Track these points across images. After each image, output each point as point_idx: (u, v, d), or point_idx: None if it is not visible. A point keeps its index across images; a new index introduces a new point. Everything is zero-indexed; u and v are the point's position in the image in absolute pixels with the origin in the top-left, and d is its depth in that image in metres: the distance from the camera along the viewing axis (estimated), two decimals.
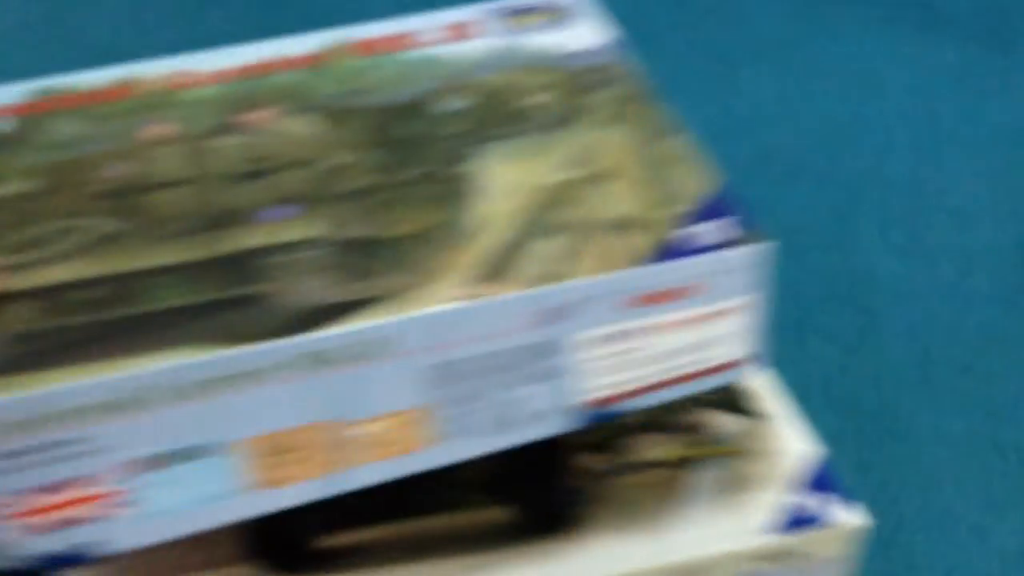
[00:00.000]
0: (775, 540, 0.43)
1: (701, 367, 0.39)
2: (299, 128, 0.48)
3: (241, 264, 0.41)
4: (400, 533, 0.45)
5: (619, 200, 0.40)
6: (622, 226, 0.39)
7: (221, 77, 0.51)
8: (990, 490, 0.52)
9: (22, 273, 0.42)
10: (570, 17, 0.53)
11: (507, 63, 0.51)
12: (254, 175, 0.46)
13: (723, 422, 0.49)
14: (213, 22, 0.90)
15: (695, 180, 0.41)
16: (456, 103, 0.48)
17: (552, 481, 0.46)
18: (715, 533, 0.44)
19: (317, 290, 0.39)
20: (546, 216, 0.40)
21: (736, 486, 0.46)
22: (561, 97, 0.47)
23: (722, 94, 0.79)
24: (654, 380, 0.39)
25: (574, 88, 0.48)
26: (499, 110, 0.48)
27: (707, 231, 0.37)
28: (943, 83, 0.74)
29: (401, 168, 0.45)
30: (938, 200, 0.65)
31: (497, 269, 0.38)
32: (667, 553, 0.43)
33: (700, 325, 0.37)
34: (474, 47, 0.52)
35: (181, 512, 0.39)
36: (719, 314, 0.37)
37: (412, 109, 0.48)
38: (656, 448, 0.47)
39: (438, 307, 0.37)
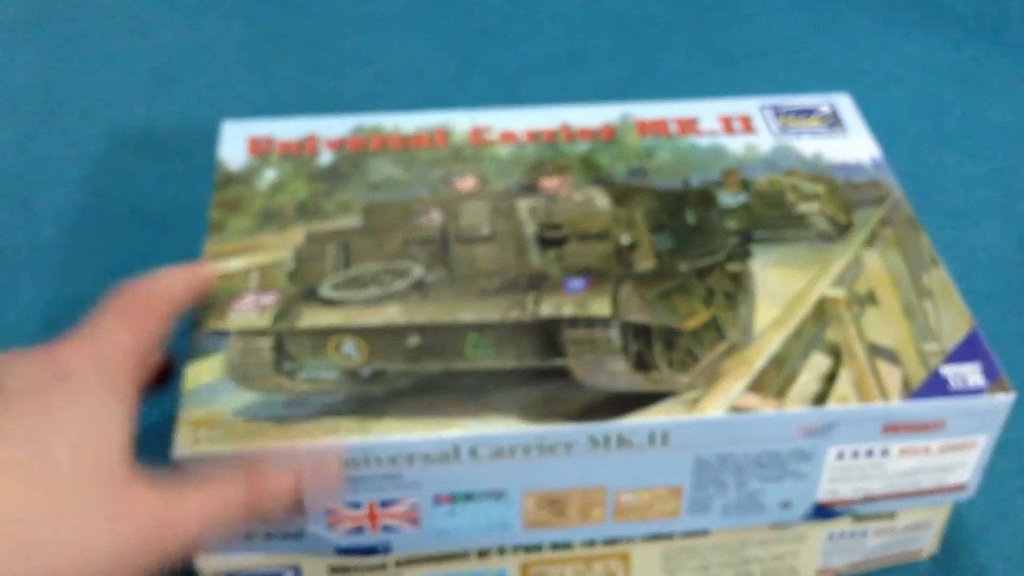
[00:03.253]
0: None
1: (928, 487, 0.46)
2: (591, 200, 0.50)
3: (549, 333, 0.44)
4: None
5: (879, 327, 0.46)
6: (879, 354, 0.44)
7: (517, 138, 0.56)
8: (990, 490, 0.51)
9: (347, 310, 0.46)
10: (842, 127, 0.57)
11: (783, 164, 0.54)
12: (554, 243, 0.49)
13: None
14: (212, 23, 0.87)
15: (950, 319, 0.46)
16: (736, 197, 0.52)
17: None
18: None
19: (617, 376, 0.43)
20: (815, 331, 0.45)
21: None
22: (831, 208, 0.51)
23: (722, 94, 0.84)
24: (885, 492, 0.46)
25: (844, 201, 0.52)
26: (774, 211, 0.51)
27: (955, 374, 0.44)
28: (944, 83, 0.73)
29: (685, 255, 0.48)
30: (939, 200, 0.65)
31: (772, 381, 0.43)
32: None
33: (936, 454, 0.45)
34: (754, 143, 0.56)
35: (463, 535, 0.45)
36: (954, 447, 0.45)
37: (695, 196, 0.51)
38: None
39: (719, 414, 0.42)
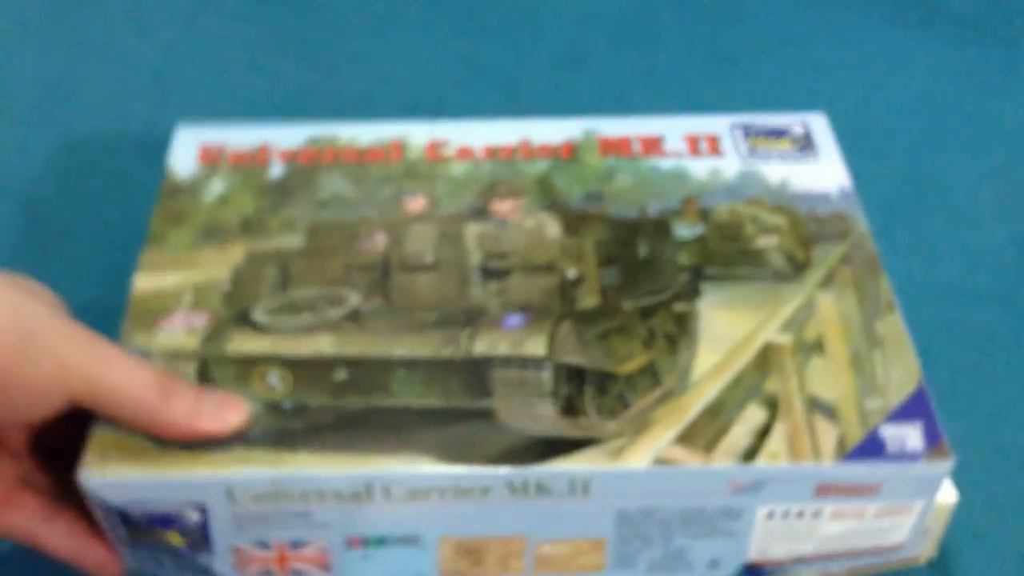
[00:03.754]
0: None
1: (863, 548, 0.45)
2: (541, 228, 0.49)
3: (479, 372, 0.43)
4: None
5: (822, 379, 0.44)
6: (818, 409, 0.43)
7: (474, 155, 0.54)
8: (990, 490, 0.51)
9: (277, 338, 0.45)
10: (813, 151, 0.54)
11: (747, 192, 0.52)
12: (497, 274, 0.47)
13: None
14: (210, 23, 0.86)
15: (898, 373, 0.44)
16: (692, 229, 0.50)
17: None
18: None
19: (543, 420, 0.42)
20: (755, 380, 0.44)
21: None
22: (790, 243, 0.49)
23: (722, 94, 0.81)
24: (818, 553, 0.44)
25: (804, 236, 0.50)
26: (730, 245, 0.50)
27: (894, 436, 0.42)
28: (945, 82, 0.72)
29: (631, 292, 0.47)
30: (939, 200, 0.64)
31: (703, 433, 0.42)
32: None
33: (870, 518, 0.43)
34: (719, 167, 0.53)
35: None
36: (890, 511, 0.43)
37: (649, 226, 0.50)
38: None
39: (646, 466, 0.41)
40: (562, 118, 0.57)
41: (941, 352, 0.57)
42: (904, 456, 0.41)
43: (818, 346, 0.45)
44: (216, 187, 0.52)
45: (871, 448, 0.41)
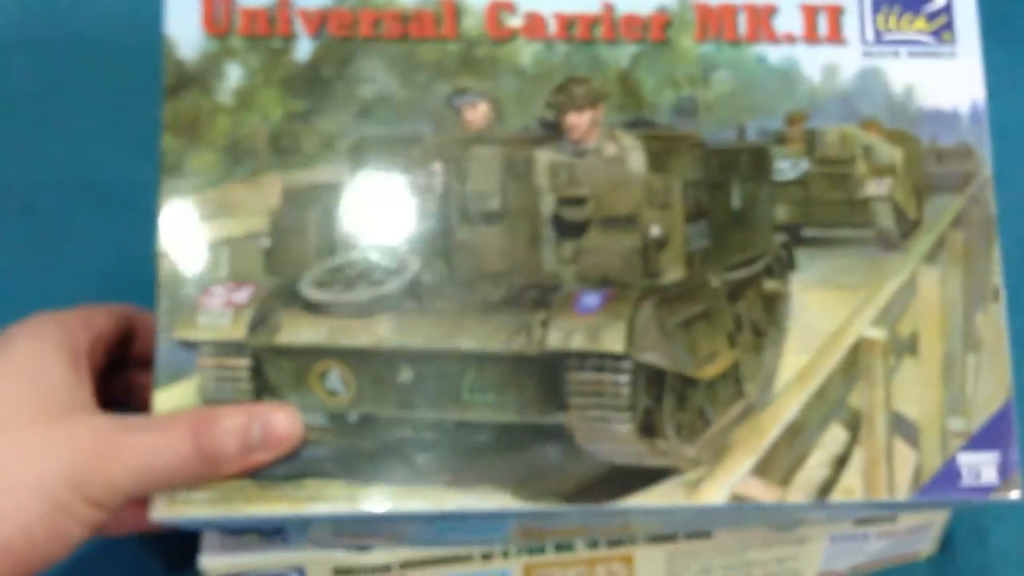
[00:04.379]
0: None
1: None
2: (623, 158, 0.42)
3: (553, 374, 0.40)
4: None
5: (909, 391, 0.42)
6: (900, 431, 0.42)
7: (546, 29, 0.44)
8: None
9: (333, 323, 0.41)
10: (951, 40, 0.45)
11: (864, 108, 0.44)
12: (572, 230, 0.42)
13: None
14: None
15: (987, 387, 0.41)
16: (795, 164, 0.43)
17: None
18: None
19: (620, 443, 0.40)
20: (840, 392, 0.42)
21: None
22: (902, 193, 0.43)
23: None
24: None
25: (919, 181, 0.43)
26: (835, 193, 0.43)
27: (970, 466, 0.41)
28: None
29: (719, 260, 0.42)
30: None
31: (781, 460, 0.41)
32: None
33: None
34: (837, 63, 0.44)
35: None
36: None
37: (750, 161, 0.42)
38: None
39: (720, 502, 0.41)
40: None
41: None
42: (976, 490, 0.42)
43: (911, 346, 0.43)
44: (232, 76, 0.43)
45: (946, 480, 0.42)
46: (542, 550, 0.46)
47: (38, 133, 0.69)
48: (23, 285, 0.57)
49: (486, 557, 0.46)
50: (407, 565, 0.45)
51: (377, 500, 0.40)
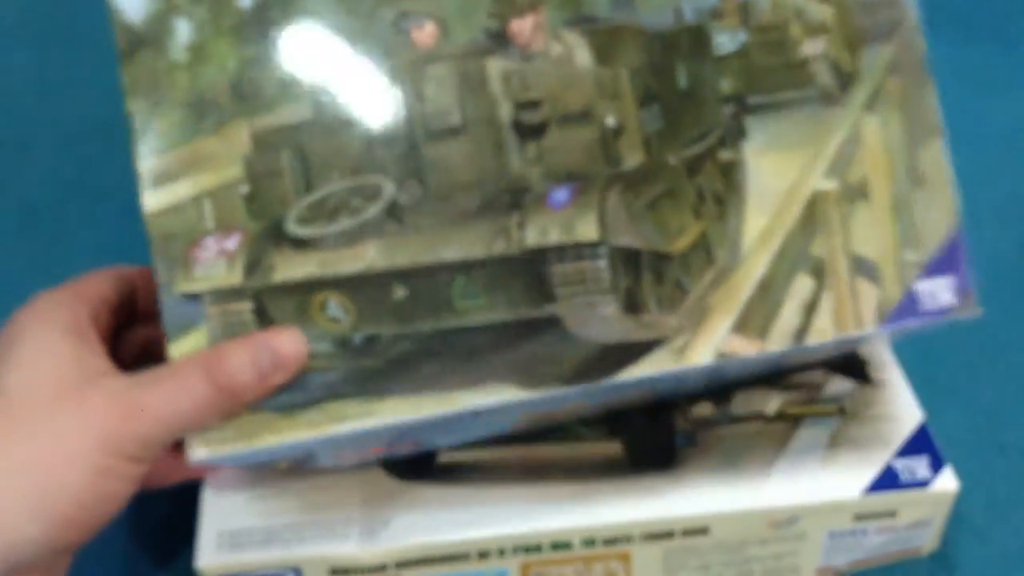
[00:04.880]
0: (869, 498, 0.47)
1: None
2: (570, 56, 0.43)
3: (537, 269, 0.43)
4: (516, 456, 0.51)
5: (864, 233, 0.45)
6: (861, 270, 0.45)
7: None
8: (991, 490, 0.53)
9: (322, 255, 0.43)
10: None
11: None
12: (532, 132, 0.44)
13: (835, 383, 0.52)
14: None
15: (938, 214, 0.44)
16: (733, 37, 0.45)
17: (661, 421, 0.51)
18: (811, 486, 0.48)
19: (608, 323, 0.43)
20: (801, 243, 0.45)
21: (837, 444, 0.49)
22: (836, 48, 0.45)
23: None
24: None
25: (851, 35, 0.45)
26: (773, 58, 0.45)
27: (928, 293, 0.45)
28: (944, 81, 0.67)
29: (674, 138, 0.44)
30: None
31: (756, 316, 0.44)
32: (761, 499, 0.48)
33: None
34: None
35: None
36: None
37: (690, 40, 0.44)
38: (766, 402, 0.51)
39: (706, 361, 0.44)
40: None
41: (942, 351, 0.57)
42: (936, 312, 0.45)
43: (861, 191, 0.46)
44: (182, 31, 0.44)
45: (907, 308, 0.45)
46: (539, 549, 0.48)
47: (39, 133, 0.69)
48: (23, 285, 0.59)
49: (483, 556, 0.48)
50: (403, 565, 0.48)
51: (393, 412, 0.43)
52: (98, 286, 0.44)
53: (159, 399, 0.39)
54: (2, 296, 0.60)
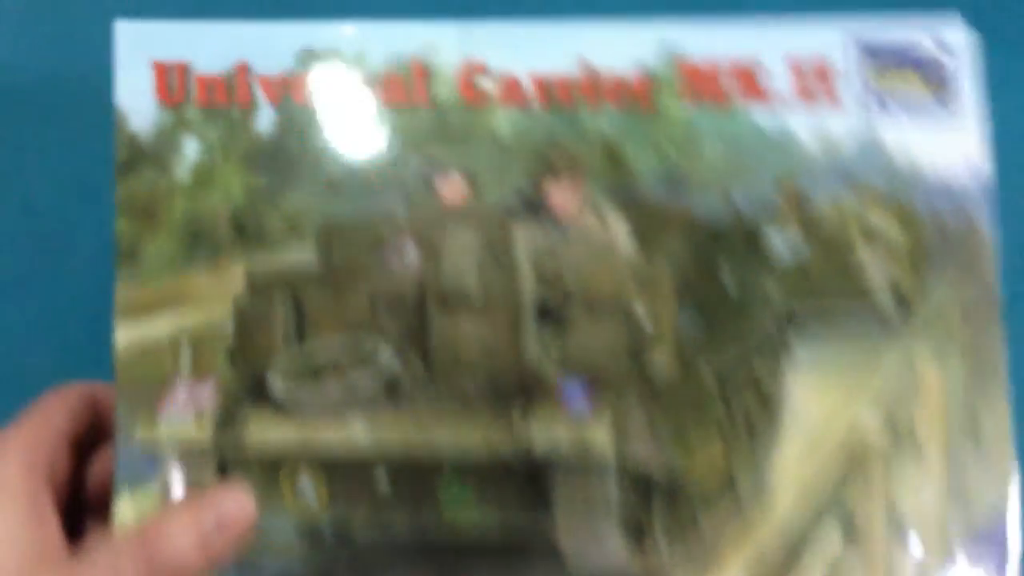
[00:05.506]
0: None
1: None
2: (608, 238, 0.38)
3: (536, 478, 0.38)
4: None
5: (908, 495, 0.40)
6: (898, 536, 0.40)
7: (524, 94, 0.41)
8: None
9: (302, 423, 0.39)
10: (948, 94, 0.42)
11: (861, 175, 0.41)
12: (555, 317, 0.40)
13: None
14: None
15: (993, 480, 0.40)
16: (788, 242, 0.40)
17: None
18: None
19: (609, 551, 0.39)
20: (834, 486, 0.40)
21: None
22: (901, 274, 0.40)
23: None
24: None
25: (919, 259, 0.41)
26: (831, 274, 0.41)
27: (967, 570, 0.40)
28: None
29: (711, 349, 0.40)
30: None
31: (775, 566, 0.39)
32: None
33: None
34: (830, 129, 0.41)
35: None
36: None
37: (738, 238, 0.40)
38: None
39: None
40: (628, 18, 0.42)
41: None
42: None
43: (910, 437, 0.41)
44: (189, 151, 0.40)
45: None
46: None
47: (39, 132, 0.67)
48: (23, 285, 0.56)
49: None
50: None
51: None
52: (56, 423, 0.40)
53: None
54: (2, 296, 0.57)
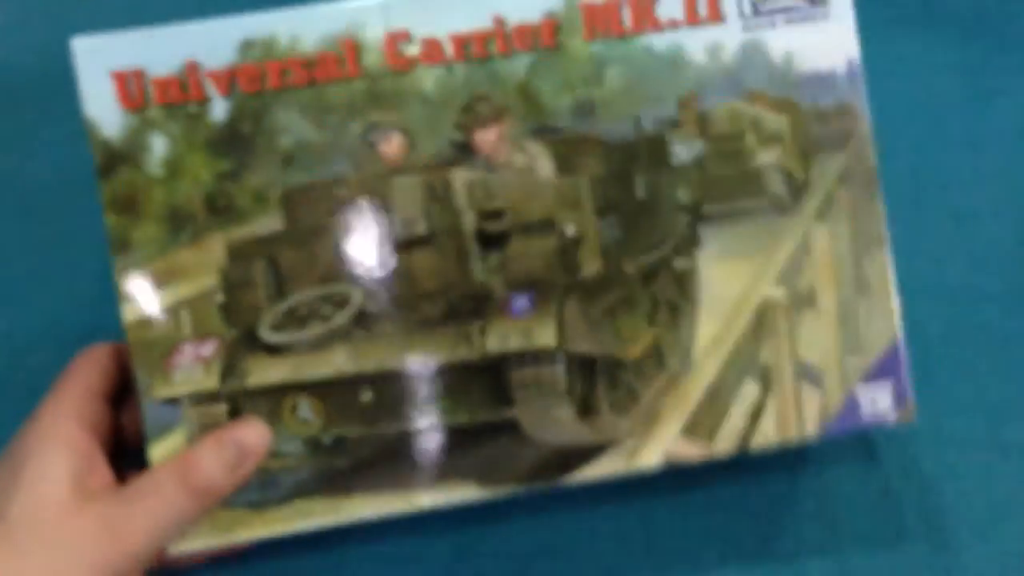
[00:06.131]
0: None
1: None
2: (532, 166, 0.46)
3: (497, 374, 0.46)
4: None
5: (811, 339, 0.47)
6: (806, 376, 0.47)
7: (444, 53, 0.47)
8: (991, 490, 0.52)
9: (294, 360, 0.46)
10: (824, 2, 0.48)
11: (748, 79, 0.48)
12: (495, 241, 0.46)
13: None
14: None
15: (881, 323, 0.47)
16: (690, 147, 0.47)
17: None
18: None
19: (563, 426, 0.46)
20: (750, 351, 0.47)
21: None
22: (789, 158, 0.47)
23: None
24: None
25: (804, 145, 0.48)
26: (729, 168, 0.47)
27: (868, 399, 0.47)
28: (945, 82, 0.70)
29: (632, 248, 0.47)
30: (940, 199, 0.63)
31: (705, 419, 0.47)
32: None
33: None
34: (718, 40, 0.47)
35: None
36: None
37: (649, 151, 0.46)
38: None
39: (655, 462, 0.47)
40: None
41: (942, 351, 0.57)
42: (875, 417, 0.48)
43: (810, 299, 0.48)
44: (158, 147, 0.46)
45: (848, 413, 0.48)
46: None
47: (39, 132, 0.70)
48: (23, 285, 0.61)
49: None
50: None
51: (358, 509, 0.46)
52: (88, 380, 0.47)
53: (143, 519, 0.42)
54: (2, 296, 0.62)
